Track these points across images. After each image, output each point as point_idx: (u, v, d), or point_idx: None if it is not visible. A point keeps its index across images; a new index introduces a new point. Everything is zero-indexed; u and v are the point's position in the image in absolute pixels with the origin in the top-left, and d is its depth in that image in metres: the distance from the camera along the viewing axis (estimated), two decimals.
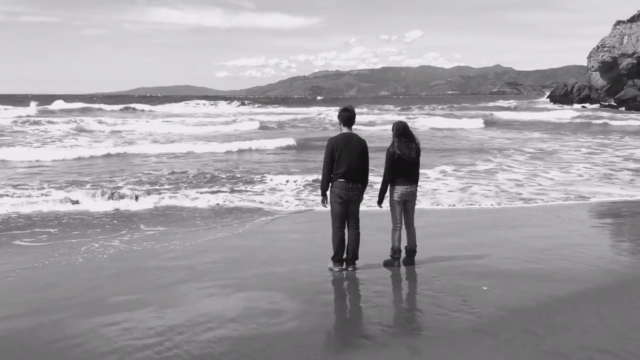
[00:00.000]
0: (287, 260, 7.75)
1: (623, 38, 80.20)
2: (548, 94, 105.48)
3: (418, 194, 7.72)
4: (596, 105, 73.82)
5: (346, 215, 7.11)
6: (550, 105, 78.59)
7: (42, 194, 12.54)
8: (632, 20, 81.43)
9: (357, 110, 7.60)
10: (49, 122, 36.30)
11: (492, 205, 12.04)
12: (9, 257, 8.04)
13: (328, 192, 7.15)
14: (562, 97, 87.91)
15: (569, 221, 10.47)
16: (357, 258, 7.21)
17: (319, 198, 7.43)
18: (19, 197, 12.25)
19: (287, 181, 14.24)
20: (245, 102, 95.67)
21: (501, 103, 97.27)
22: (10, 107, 59.04)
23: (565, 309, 5.70)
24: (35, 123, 36.09)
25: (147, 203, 11.69)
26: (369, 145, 7.28)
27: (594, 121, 44.99)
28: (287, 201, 12.33)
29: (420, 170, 7.49)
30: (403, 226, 7.37)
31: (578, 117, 50.18)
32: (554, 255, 7.83)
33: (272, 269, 7.30)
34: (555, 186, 14.30)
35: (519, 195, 13.12)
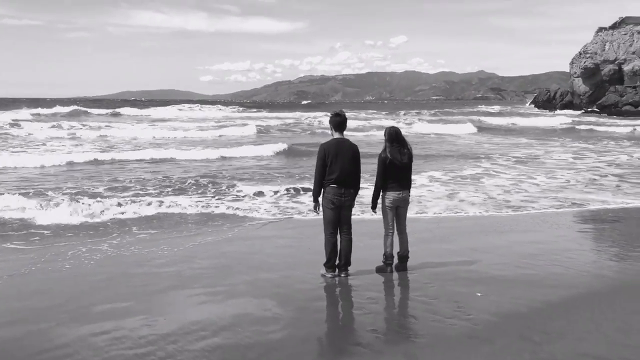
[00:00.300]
0: (277, 266, 7.67)
1: (605, 45, 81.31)
2: (531, 99, 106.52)
3: None
4: (579, 112, 74.62)
5: (339, 221, 7.06)
6: (541, 112, 79.18)
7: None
8: (614, 27, 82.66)
9: None
10: (32, 127, 35.61)
11: (479, 212, 11.88)
12: None
13: (320, 198, 7.10)
14: (545, 103, 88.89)
15: (557, 226, 10.52)
16: (349, 264, 7.16)
17: (298, 206, 7.36)
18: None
19: (277, 192, 13.83)
20: (239, 107, 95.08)
21: (486, 108, 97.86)
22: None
23: (560, 315, 5.70)
24: (19, 127, 35.49)
25: (135, 209, 11.52)
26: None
27: (584, 127, 45.01)
28: (265, 209, 11.91)
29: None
30: (395, 232, 7.34)
31: (571, 122, 50.20)
32: (544, 261, 7.85)
33: (263, 276, 7.22)
34: (544, 192, 14.27)
35: (507, 202, 12.92)
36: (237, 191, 13.93)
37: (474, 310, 5.83)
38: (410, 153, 7.31)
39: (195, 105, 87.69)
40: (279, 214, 11.55)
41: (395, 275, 7.23)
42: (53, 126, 36.58)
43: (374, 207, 7.37)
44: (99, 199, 12.10)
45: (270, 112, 76.97)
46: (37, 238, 9.39)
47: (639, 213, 11.82)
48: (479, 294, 6.33)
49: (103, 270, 7.55)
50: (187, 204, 12.02)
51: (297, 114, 64.57)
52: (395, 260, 7.37)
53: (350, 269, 7.16)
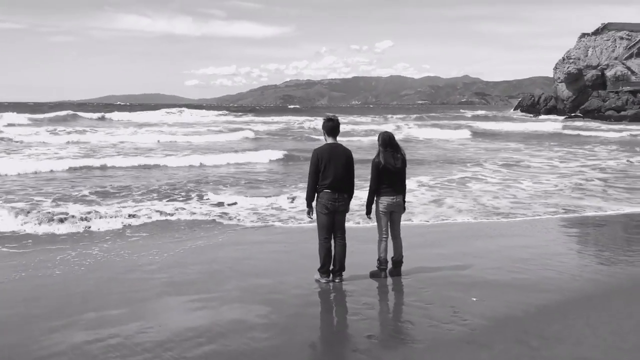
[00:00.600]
0: (270, 271, 7.64)
1: (588, 50, 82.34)
2: (516, 104, 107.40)
3: None
4: (563, 117, 75.40)
5: (332, 226, 7.05)
6: (531, 117, 79.68)
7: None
8: (596, 33, 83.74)
9: None
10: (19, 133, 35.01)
11: (471, 219, 11.68)
12: None
13: (314, 203, 7.09)
14: (529, 108, 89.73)
15: (546, 231, 10.60)
16: (343, 269, 7.15)
17: (278, 213, 7.33)
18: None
19: (270, 204, 13.59)
20: (226, 110, 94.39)
21: (478, 113, 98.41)
22: None
23: (556, 319, 5.73)
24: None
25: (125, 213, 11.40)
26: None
27: (575, 132, 45.05)
28: (245, 217, 11.65)
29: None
30: (389, 237, 7.34)
31: (562, 127, 50.39)
32: (536, 265, 7.90)
33: (257, 281, 7.18)
34: (534, 198, 14.18)
35: (496, 209, 12.64)
36: (231, 198, 13.83)
37: (470, 315, 5.84)
38: (404, 158, 7.33)
39: (182, 109, 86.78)
40: (274, 220, 11.44)
41: (389, 280, 7.23)
42: (50, 131, 35.86)
43: (368, 212, 7.37)
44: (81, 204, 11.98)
45: (259, 116, 76.52)
46: (26, 242, 9.28)
47: (625, 218, 11.92)
48: (474, 299, 6.35)
49: (94, 276, 7.46)
50: (182, 210, 11.96)
51: (289, 118, 64.26)
52: (389, 266, 7.38)
53: (344, 274, 7.14)
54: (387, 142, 7.21)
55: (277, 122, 58.49)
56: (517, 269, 7.68)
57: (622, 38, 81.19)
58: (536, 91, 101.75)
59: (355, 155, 7.33)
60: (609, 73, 77.86)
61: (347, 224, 7.32)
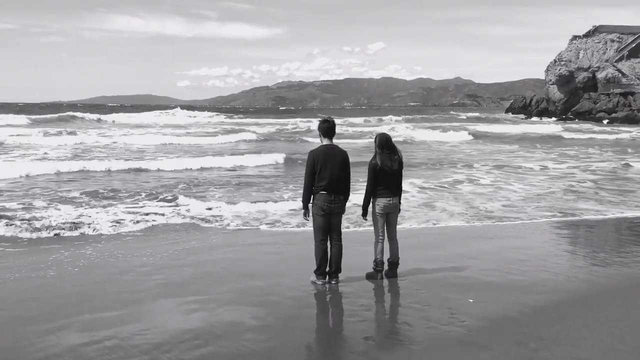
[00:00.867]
0: (266, 273, 7.61)
1: (579, 52, 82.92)
2: (507, 106, 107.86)
3: None
4: (554, 118, 75.81)
5: (329, 227, 7.04)
6: (526, 118, 79.90)
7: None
8: (588, 35, 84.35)
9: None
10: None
11: (461, 224, 11.48)
12: None
13: (310, 205, 7.07)
14: (520, 110, 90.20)
15: (540, 232, 10.63)
16: (340, 271, 7.13)
17: (263, 217, 7.28)
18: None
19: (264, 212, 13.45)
20: (218, 112, 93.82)
21: (469, 114, 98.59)
22: None
23: (553, 320, 5.74)
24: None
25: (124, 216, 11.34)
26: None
27: (574, 134, 44.20)
28: (233, 220, 11.46)
29: None
30: (385, 238, 7.34)
31: (564, 130, 49.69)
32: (532, 267, 7.92)
33: (253, 283, 7.15)
34: (531, 201, 14.18)
35: (489, 213, 12.52)
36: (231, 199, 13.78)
37: (468, 316, 5.84)
38: (401, 159, 7.33)
39: (175, 110, 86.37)
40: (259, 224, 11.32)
41: (385, 281, 7.23)
42: (50, 134, 35.34)
43: (364, 213, 7.36)
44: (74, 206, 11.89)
45: (253, 118, 76.27)
46: (21, 241, 9.22)
47: (617, 220, 11.95)
48: (471, 300, 6.35)
49: (88, 277, 7.41)
50: (174, 212, 11.87)
51: (286, 120, 63.82)
52: (385, 267, 7.37)
53: (341, 275, 7.13)
54: (384, 143, 7.21)
55: (273, 123, 57.96)
56: (513, 271, 7.69)
57: (613, 40, 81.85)
58: (528, 93, 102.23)
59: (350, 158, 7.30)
60: (600, 75, 78.39)
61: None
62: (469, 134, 41.57)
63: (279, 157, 22.97)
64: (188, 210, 12.08)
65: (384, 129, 43.02)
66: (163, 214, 11.63)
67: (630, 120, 65.87)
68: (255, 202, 13.16)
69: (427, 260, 8.23)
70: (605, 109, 73.60)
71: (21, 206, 12.13)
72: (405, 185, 15.20)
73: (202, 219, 11.39)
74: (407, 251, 8.17)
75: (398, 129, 46.62)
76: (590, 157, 26.18)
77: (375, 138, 7.38)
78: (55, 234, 9.87)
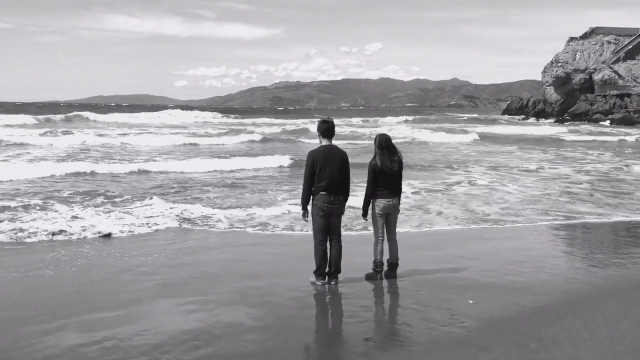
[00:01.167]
0: (265, 274, 7.59)
1: (576, 54, 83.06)
2: (504, 107, 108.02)
3: None
4: (551, 120, 75.96)
5: (328, 228, 7.03)
6: (522, 119, 79.86)
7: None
8: (584, 37, 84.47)
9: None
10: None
11: (459, 227, 11.23)
12: None
13: (309, 206, 7.06)
14: (517, 111, 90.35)
15: (538, 233, 10.63)
16: (339, 271, 7.13)
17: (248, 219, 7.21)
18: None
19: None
20: (218, 112, 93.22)
21: (466, 116, 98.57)
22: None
23: (553, 322, 5.75)
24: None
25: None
26: None
27: (581, 136, 43.38)
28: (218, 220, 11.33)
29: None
30: (385, 239, 7.34)
31: (570, 131, 49.03)
32: (531, 268, 7.92)
33: (251, 284, 7.14)
34: (532, 203, 14.25)
35: (486, 216, 12.27)
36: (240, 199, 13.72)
37: (467, 317, 5.84)
38: (401, 160, 7.33)
39: (173, 110, 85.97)
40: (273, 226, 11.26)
41: (385, 282, 7.22)
42: (63, 134, 35.08)
43: (364, 214, 7.36)
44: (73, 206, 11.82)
45: (254, 118, 75.58)
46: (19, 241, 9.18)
47: (616, 222, 11.97)
48: (471, 301, 6.35)
49: (86, 276, 7.39)
50: (175, 212, 11.82)
51: (291, 121, 63.16)
52: (385, 268, 7.37)
53: (340, 276, 7.12)
54: (384, 144, 7.21)
55: (278, 124, 56.80)
56: (512, 272, 7.70)
57: (609, 42, 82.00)
58: (524, 94, 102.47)
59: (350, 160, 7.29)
60: (596, 77, 78.56)
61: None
62: (476, 135, 40.74)
63: (285, 159, 21.90)
64: (192, 213, 11.96)
65: (384, 129, 42.70)
66: (164, 215, 11.58)
67: (626, 122, 66.01)
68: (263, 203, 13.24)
69: (425, 261, 8.24)
70: (601, 111, 73.75)
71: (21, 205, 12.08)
72: (413, 187, 15.28)
73: (212, 222, 11.26)
74: (406, 252, 8.17)
75: (400, 130, 46.42)
76: (602, 159, 25.70)
77: (375, 139, 7.38)
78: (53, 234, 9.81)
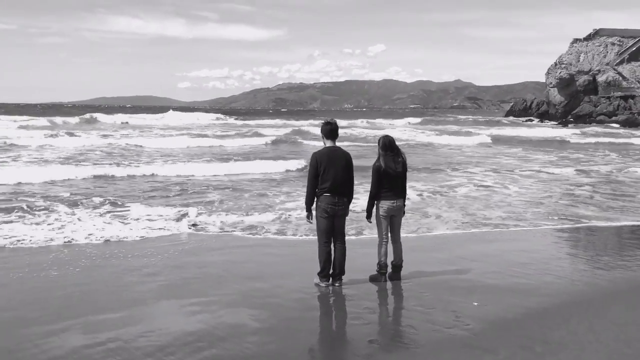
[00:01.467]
0: (269, 275, 7.58)
1: (579, 56, 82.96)
2: (508, 109, 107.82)
3: None
4: (555, 122, 75.83)
5: (332, 230, 7.02)
6: (525, 121, 79.58)
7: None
8: (588, 38, 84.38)
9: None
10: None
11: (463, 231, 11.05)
12: None
13: (313, 208, 7.05)
14: (521, 112, 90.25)
15: (542, 235, 10.60)
16: (343, 273, 7.11)
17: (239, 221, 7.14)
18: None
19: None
20: (226, 114, 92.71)
21: (469, 117, 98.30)
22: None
23: (559, 324, 5.72)
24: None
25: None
26: None
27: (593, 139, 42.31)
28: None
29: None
30: (389, 241, 7.32)
31: (582, 134, 47.99)
32: (536, 270, 7.89)
33: (255, 285, 7.13)
34: (545, 207, 14.05)
35: (487, 220, 12.11)
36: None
37: (473, 320, 5.82)
38: (405, 162, 7.31)
39: (180, 112, 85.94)
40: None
41: (389, 284, 7.20)
42: (80, 135, 34.83)
43: (368, 216, 7.35)
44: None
45: (262, 120, 75.04)
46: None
47: (621, 227, 11.91)
48: (476, 304, 6.33)
49: (90, 277, 7.40)
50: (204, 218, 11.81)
51: (300, 122, 62.67)
52: (389, 270, 7.35)
53: (344, 278, 7.11)
54: (388, 146, 7.19)
55: (288, 125, 55.95)
56: (517, 274, 7.67)
57: (613, 44, 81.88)
58: (528, 96, 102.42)
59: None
60: (600, 78, 78.50)
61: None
62: (487, 138, 40.13)
63: (298, 163, 20.99)
64: (197, 216, 11.90)
65: (387, 131, 42.38)
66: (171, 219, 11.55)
67: (630, 124, 65.91)
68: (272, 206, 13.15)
69: (430, 263, 8.22)
70: (605, 112, 73.67)
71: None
72: (415, 189, 15.18)
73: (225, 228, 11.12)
74: (409, 254, 8.15)
75: (405, 132, 46.21)
76: (607, 161, 25.62)
77: (378, 140, 7.37)
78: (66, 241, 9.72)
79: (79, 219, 11.00)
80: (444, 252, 8.98)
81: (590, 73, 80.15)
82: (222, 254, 8.82)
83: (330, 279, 7.07)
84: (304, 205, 7.37)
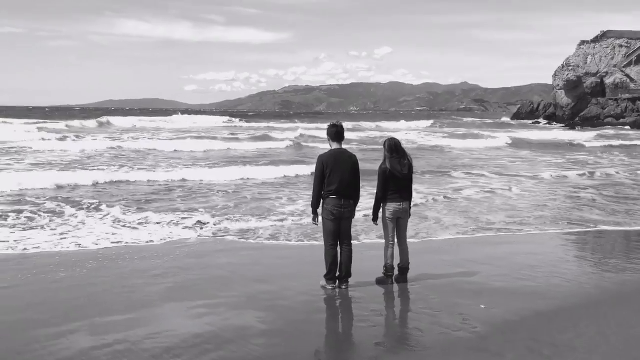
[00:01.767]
0: (275, 277, 7.59)
1: (587, 58, 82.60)
2: (515, 111, 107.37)
3: None
4: (562, 124, 75.50)
5: (339, 232, 7.01)
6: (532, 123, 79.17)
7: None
8: (596, 40, 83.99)
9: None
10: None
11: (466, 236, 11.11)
12: None
13: (319, 210, 7.05)
14: (528, 115, 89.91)
15: (550, 237, 10.56)
16: (350, 276, 7.10)
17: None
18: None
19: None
20: (235, 116, 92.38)
21: (477, 120, 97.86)
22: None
23: (567, 327, 5.69)
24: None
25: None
26: None
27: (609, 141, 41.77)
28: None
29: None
30: (396, 243, 7.31)
31: (596, 137, 46.95)
32: (544, 272, 7.86)
33: (262, 287, 7.13)
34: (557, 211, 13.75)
35: (490, 224, 12.16)
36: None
37: (480, 323, 5.79)
38: (411, 164, 7.31)
39: (191, 115, 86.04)
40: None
41: (396, 287, 7.19)
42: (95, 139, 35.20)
43: (375, 218, 7.34)
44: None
45: (274, 122, 74.92)
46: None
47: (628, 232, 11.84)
48: (483, 307, 6.30)
49: (97, 279, 7.43)
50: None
51: (313, 125, 62.43)
52: (396, 272, 7.34)
53: (350, 280, 7.10)
54: (394, 148, 7.19)
55: (304, 128, 54.53)
56: (524, 276, 7.64)
57: (621, 46, 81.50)
58: (535, 98, 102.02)
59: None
60: (608, 80, 78.13)
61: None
62: (513, 139, 39.88)
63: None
64: (207, 219, 11.88)
65: (396, 134, 42.27)
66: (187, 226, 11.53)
67: (638, 126, 65.50)
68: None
69: (436, 266, 8.20)
70: (613, 115, 73.31)
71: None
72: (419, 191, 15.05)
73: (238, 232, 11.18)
74: (416, 256, 8.13)
75: (412, 135, 45.99)
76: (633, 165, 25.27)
77: (384, 143, 7.36)
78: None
79: (82, 223, 11.05)
80: (451, 255, 8.96)
81: (598, 75, 79.80)
82: (229, 256, 8.83)
83: (337, 281, 7.06)
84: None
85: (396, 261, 7.27)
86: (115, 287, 7.11)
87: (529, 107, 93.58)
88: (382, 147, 7.36)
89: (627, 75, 77.35)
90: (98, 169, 20.12)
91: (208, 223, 11.24)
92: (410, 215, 7.45)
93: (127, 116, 78.60)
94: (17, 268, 7.96)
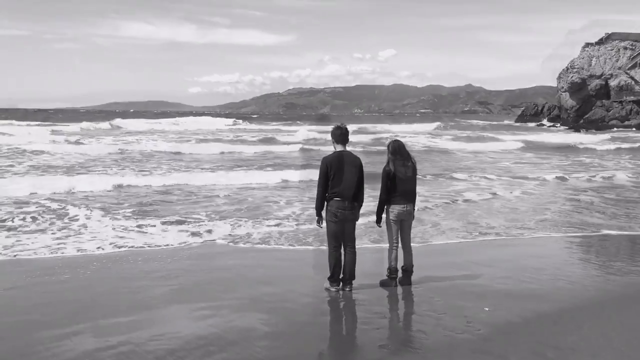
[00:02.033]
0: (279, 280, 7.60)
1: (591, 60, 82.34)
2: (519, 113, 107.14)
3: None
4: (566, 126, 75.34)
5: (342, 234, 7.01)
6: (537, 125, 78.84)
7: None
8: (600, 42, 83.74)
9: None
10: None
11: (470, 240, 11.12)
12: None
13: (323, 212, 7.05)
14: (532, 117, 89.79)
15: (555, 240, 10.53)
16: (354, 278, 7.09)
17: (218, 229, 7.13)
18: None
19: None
20: (236, 118, 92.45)
21: (480, 122, 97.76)
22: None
23: (571, 330, 5.67)
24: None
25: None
26: None
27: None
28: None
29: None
30: (400, 245, 7.30)
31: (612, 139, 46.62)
32: (548, 275, 7.84)
33: (266, 289, 7.14)
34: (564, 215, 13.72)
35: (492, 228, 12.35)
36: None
37: (484, 325, 5.78)
38: (414, 166, 7.30)
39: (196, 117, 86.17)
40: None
41: (399, 289, 7.18)
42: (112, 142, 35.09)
43: (378, 221, 7.33)
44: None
45: (282, 124, 74.48)
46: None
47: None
48: (487, 309, 6.29)
49: (101, 281, 7.46)
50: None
51: (322, 127, 62.03)
52: (400, 274, 7.33)
53: (354, 282, 7.09)
54: (397, 150, 7.19)
55: (313, 130, 54.75)
56: (528, 279, 7.62)
57: (625, 48, 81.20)
58: (539, 100, 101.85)
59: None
60: (612, 83, 77.87)
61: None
62: (525, 142, 39.79)
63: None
64: (209, 220, 12.03)
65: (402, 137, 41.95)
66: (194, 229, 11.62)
67: None
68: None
69: (440, 268, 8.19)
70: (617, 117, 73.10)
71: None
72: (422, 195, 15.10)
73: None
74: (420, 258, 8.12)
75: (417, 138, 45.87)
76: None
77: (388, 145, 7.36)
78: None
79: (85, 226, 11.09)
80: (455, 257, 8.95)
81: (602, 77, 79.56)
82: (232, 259, 8.85)
83: (341, 283, 7.06)
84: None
85: (400, 263, 7.26)
86: (119, 289, 7.13)
87: (533, 109, 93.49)
88: (386, 149, 7.36)
89: (632, 78, 77.07)
90: (105, 174, 20.00)
91: (213, 227, 11.24)
92: (414, 217, 7.44)
93: (139, 118, 79.25)
94: (21, 270, 7.99)
